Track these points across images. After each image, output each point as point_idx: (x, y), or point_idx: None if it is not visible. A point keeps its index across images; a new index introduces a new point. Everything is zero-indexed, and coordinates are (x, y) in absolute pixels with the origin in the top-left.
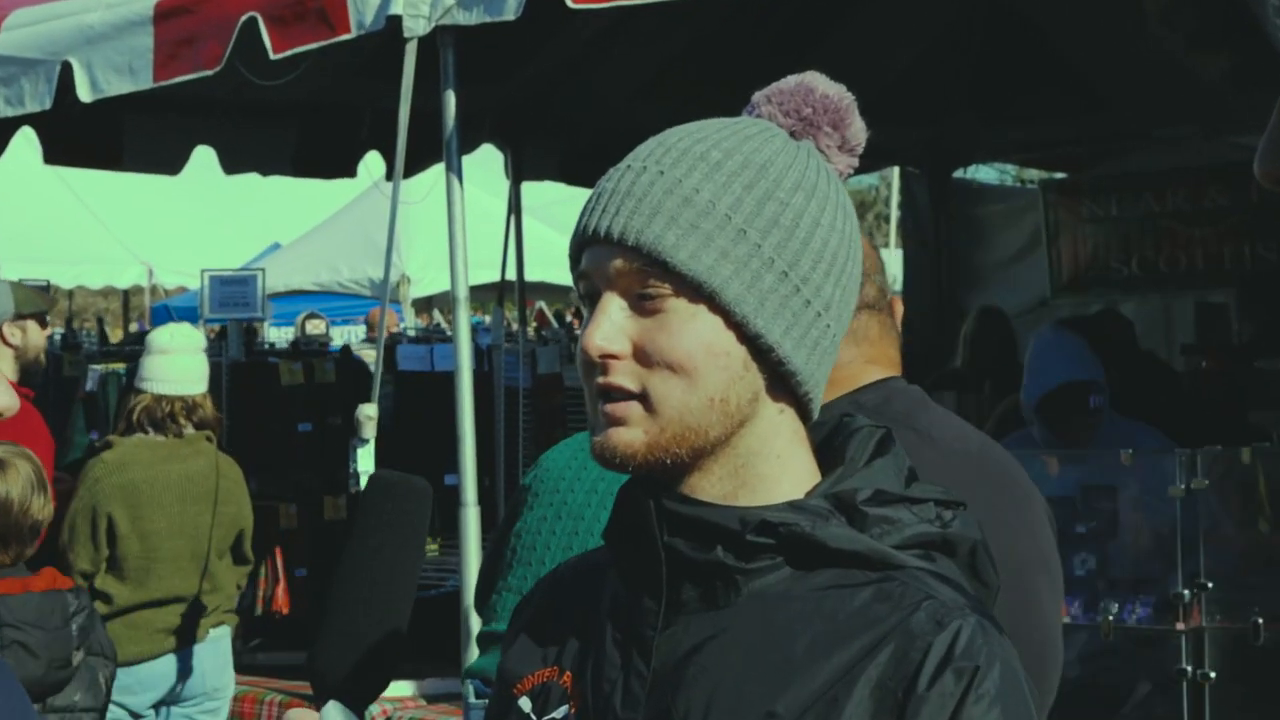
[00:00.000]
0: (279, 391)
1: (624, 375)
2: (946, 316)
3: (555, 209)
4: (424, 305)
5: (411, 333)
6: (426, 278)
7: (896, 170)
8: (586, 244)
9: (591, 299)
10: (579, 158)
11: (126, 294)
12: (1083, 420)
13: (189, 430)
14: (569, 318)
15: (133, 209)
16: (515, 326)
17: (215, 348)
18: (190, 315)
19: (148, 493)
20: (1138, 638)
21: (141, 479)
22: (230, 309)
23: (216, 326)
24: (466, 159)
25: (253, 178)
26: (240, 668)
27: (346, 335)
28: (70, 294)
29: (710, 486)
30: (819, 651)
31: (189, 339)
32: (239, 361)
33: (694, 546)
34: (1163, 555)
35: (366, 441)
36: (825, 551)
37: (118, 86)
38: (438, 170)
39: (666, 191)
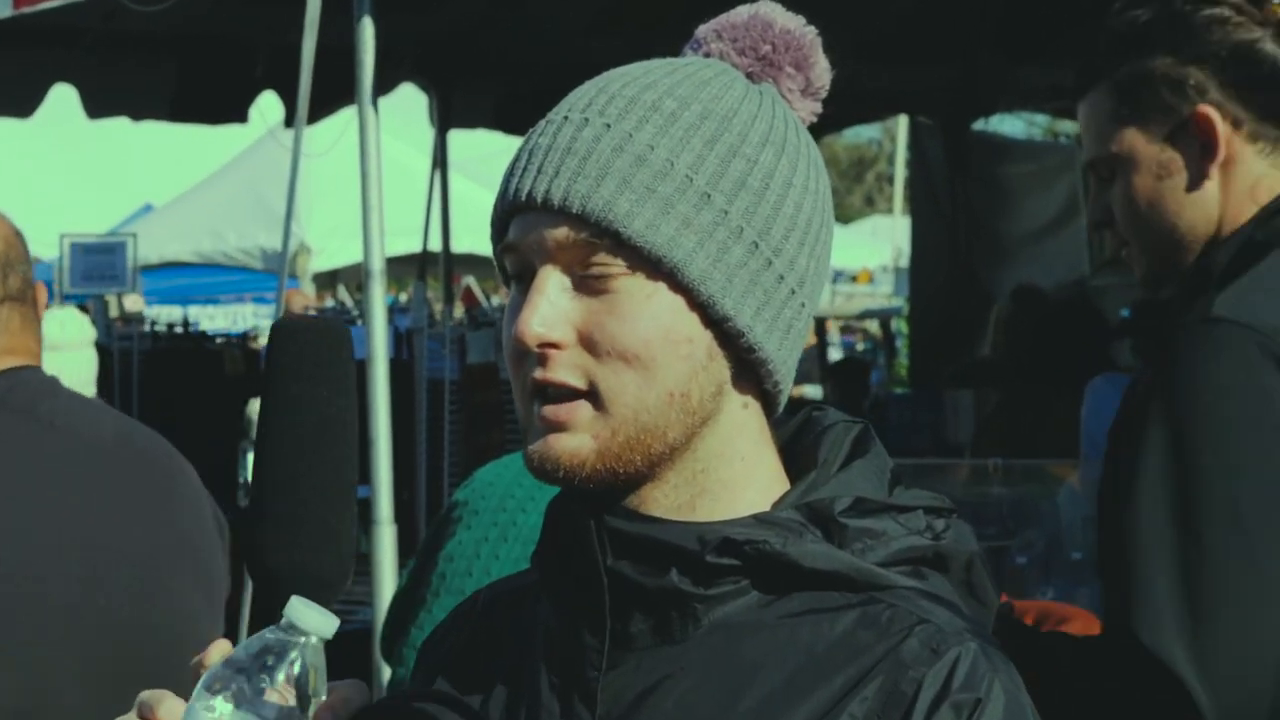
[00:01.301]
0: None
1: (566, 369)
2: (964, 296)
3: (489, 164)
4: (327, 281)
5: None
6: (330, 247)
7: (904, 120)
8: (516, 211)
9: (522, 277)
10: (518, 102)
11: None
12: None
13: None
14: (503, 298)
15: None
16: (440, 307)
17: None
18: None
19: None
20: None
21: None
22: (95, 283)
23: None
24: (383, 102)
25: (121, 123)
26: None
27: (233, 319)
28: None
29: (664, 497)
30: (795, 690)
31: (81, 331)
32: (104, 347)
33: (644, 570)
34: None
35: None
36: (799, 572)
37: None
38: (346, 116)
39: (615, 149)
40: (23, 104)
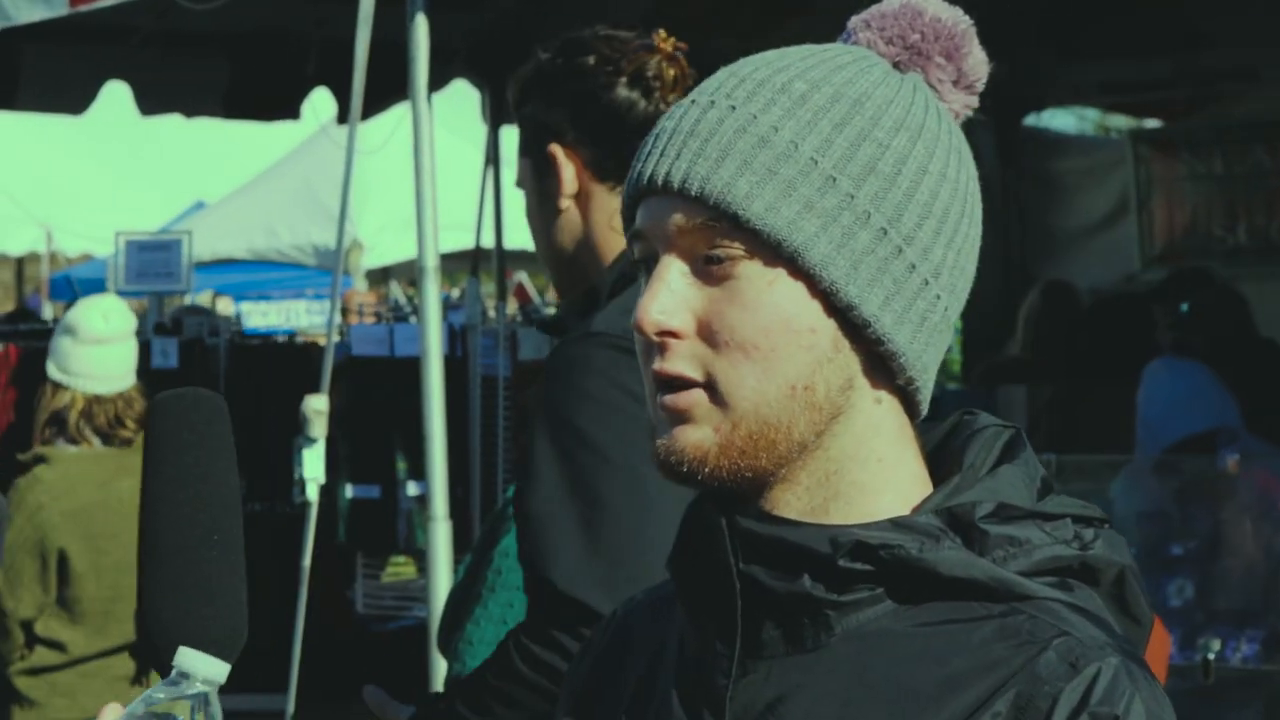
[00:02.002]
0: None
1: (684, 359)
2: (1016, 293)
3: None
4: (379, 277)
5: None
6: (382, 243)
7: None
8: (642, 196)
9: (649, 264)
10: None
11: (20, 262)
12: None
13: (133, 435)
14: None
15: (29, 160)
16: (492, 303)
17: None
18: (97, 286)
19: (103, 519)
20: (1242, 680)
21: (94, 502)
22: (149, 280)
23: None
24: (436, 97)
25: (174, 121)
26: None
27: (286, 315)
28: None
29: (796, 499)
30: (928, 703)
31: (125, 322)
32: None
33: (775, 575)
34: (1275, 582)
35: (314, 441)
36: (935, 580)
37: (29, 13)
38: (398, 112)
39: (738, 130)
40: (76, 101)
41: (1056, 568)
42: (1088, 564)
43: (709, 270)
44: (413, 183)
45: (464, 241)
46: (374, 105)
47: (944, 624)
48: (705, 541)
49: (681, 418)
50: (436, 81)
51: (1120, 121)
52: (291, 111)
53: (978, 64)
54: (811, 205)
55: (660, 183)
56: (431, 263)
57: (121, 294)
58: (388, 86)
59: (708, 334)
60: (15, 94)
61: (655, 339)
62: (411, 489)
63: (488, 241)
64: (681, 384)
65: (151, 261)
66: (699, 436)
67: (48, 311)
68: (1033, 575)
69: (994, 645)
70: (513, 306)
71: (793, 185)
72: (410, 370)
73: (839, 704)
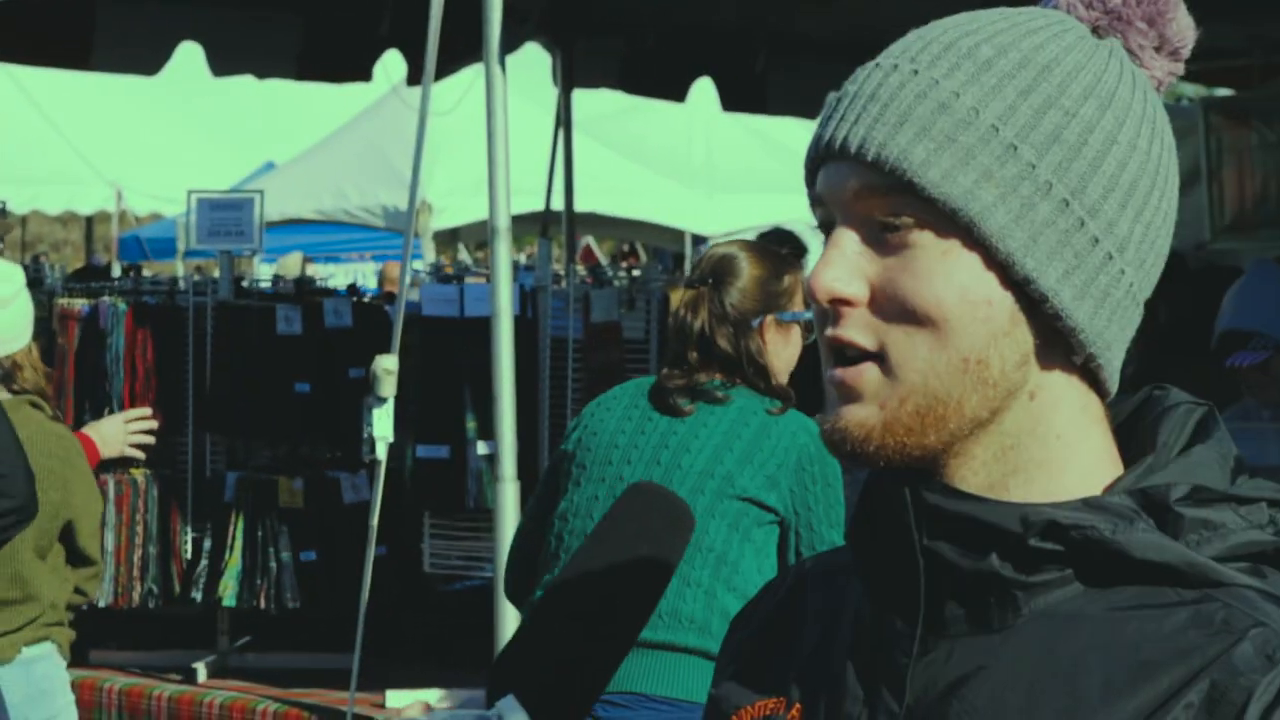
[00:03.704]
0: (275, 342)
1: (858, 328)
2: None
3: (613, 123)
4: (448, 239)
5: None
6: (451, 205)
7: None
8: (822, 160)
9: (828, 229)
10: (641, 62)
11: (90, 220)
12: (1229, 378)
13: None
14: (622, 259)
15: (100, 119)
16: (563, 265)
17: (200, 285)
18: (165, 247)
19: None
20: None
21: None
22: (220, 239)
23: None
24: (509, 60)
25: (245, 81)
26: (228, 671)
27: (353, 277)
28: (24, 220)
29: (973, 475)
30: (1117, 690)
31: (14, 280)
32: (229, 304)
33: (962, 552)
34: None
35: (384, 400)
36: (1127, 563)
37: None
38: (468, 75)
39: (919, 95)
40: (149, 62)
41: (1252, 553)
42: None
43: (884, 238)
44: (483, 145)
45: (531, 205)
46: (444, 67)
47: (1135, 609)
48: (888, 514)
49: (850, 395)
50: (509, 44)
51: (1191, 89)
52: (364, 73)
53: (1183, 29)
54: (990, 174)
55: (838, 147)
56: (504, 223)
57: (190, 253)
58: (458, 49)
59: (881, 303)
60: (89, 54)
61: (828, 306)
62: (481, 449)
63: (557, 204)
64: (855, 354)
65: (223, 220)
66: (864, 415)
67: (115, 270)
68: (1227, 561)
69: (1188, 633)
70: (582, 269)
71: (971, 153)
72: (480, 330)
73: (1025, 687)
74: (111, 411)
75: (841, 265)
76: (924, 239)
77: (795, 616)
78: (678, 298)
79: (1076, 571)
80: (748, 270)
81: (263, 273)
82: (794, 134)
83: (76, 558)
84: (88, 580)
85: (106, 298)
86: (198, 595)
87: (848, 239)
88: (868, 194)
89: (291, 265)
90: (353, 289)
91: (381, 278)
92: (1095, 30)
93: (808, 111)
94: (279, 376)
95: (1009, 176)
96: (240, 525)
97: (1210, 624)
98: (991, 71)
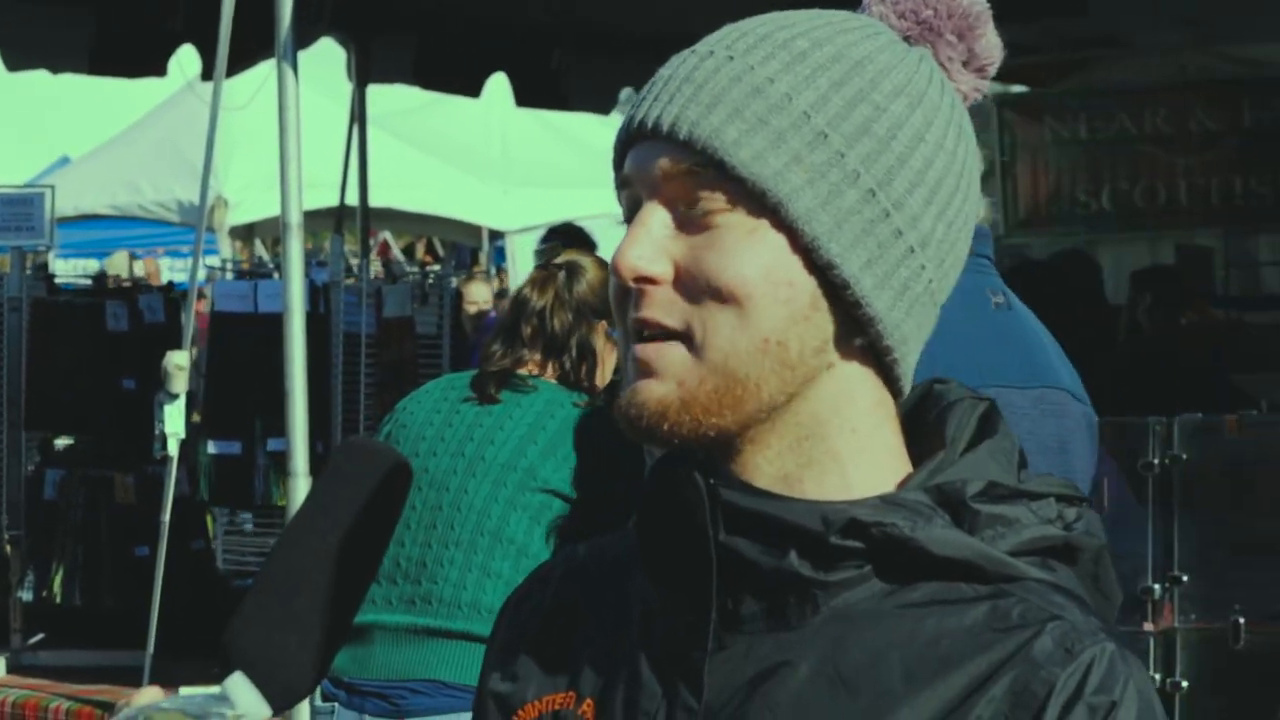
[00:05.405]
0: (90, 338)
1: (662, 307)
2: None
3: (408, 118)
4: (244, 234)
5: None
6: (247, 200)
7: None
8: (632, 142)
9: (634, 211)
10: (437, 57)
11: None
12: None
13: None
14: (419, 253)
15: None
16: (356, 261)
17: None
18: None
19: None
20: None
21: None
22: (11, 234)
23: None
24: (301, 55)
25: (39, 76)
26: (22, 669)
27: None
28: None
29: (766, 464)
30: (917, 686)
31: None
32: (43, 300)
33: (761, 550)
34: (1129, 543)
35: (176, 397)
36: (926, 559)
37: None
38: (264, 70)
39: (734, 79)
40: None
41: (1043, 548)
42: (1071, 544)
43: (691, 218)
44: (277, 140)
45: (328, 199)
46: (239, 62)
47: (933, 605)
48: (679, 506)
49: (650, 371)
50: (303, 39)
51: (993, 86)
52: (158, 68)
53: (990, 46)
54: (800, 159)
55: (650, 126)
56: (295, 219)
57: None
58: (253, 43)
59: (686, 281)
60: None
61: (633, 285)
62: (273, 445)
63: (352, 199)
64: (658, 333)
65: (13, 216)
66: (663, 392)
67: None
68: (1020, 555)
69: (986, 627)
70: (376, 264)
71: (782, 137)
72: (274, 326)
73: (828, 683)
74: None
75: (647, 243)
76: (732, 219)
77: (573, 606)
78: (471, 292)
79: (875, 568)
80: (600, 275)
81: (59, 269)
82: (590, 129)
83: None
84: None
85: None
86: (25, 595)
87: (655, 217)
88: (678, 173)
89: (119, 264)
90: (169, 286)
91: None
92: (907, 39)
93: (603, 107)
94: (108, 373)
95: (818, 162)
96: (70, 522)
97: (1008, 618)
98: (806, 62)
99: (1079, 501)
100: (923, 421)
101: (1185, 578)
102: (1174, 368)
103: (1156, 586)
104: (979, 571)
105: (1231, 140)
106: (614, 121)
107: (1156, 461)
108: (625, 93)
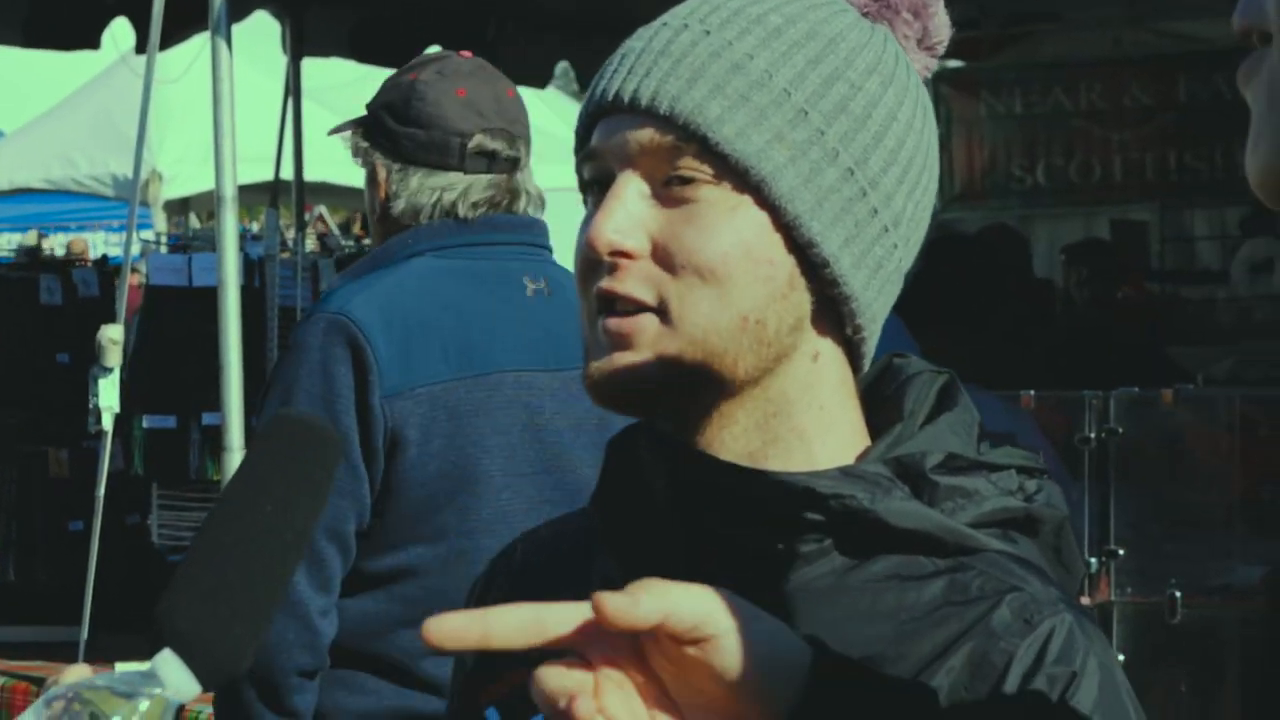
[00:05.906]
0: (24, 312)
1: (637, 281)
2: None
3: (343, 92)
4: (178, 208)
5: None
6: (182, 174)
7: None
8: (602, 114)
9: (601, 184)
10: (373, 31)
11: None
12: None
13: None
14: (355, 228)
15: None
16: (292, 235)
17: None
18: None
19: None
20: None
21: None
22: None
23: None
24: (236, 28)
25: None
26: None
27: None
28: None
29: (733, 440)
30: (878, 660)
31: None
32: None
33: (721, 522)
34: None
35: (110, 371)
36: (886, 531)
37: None
38: (198, 43)
39: (712, 54)
40: None
41: (1003, 520)
42: (1031, 516)
43: (669, 192)
44: (212, 114)
45: (264, 173)
46: (173, 35)
47: (893, 579)
48: (641, 482)
49: (625, 343)
50: (237, 12)
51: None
52: (91, 41)
53: (941, 26)
54: (782, 136)
55: (627, 100)
56: (229, 192)
57: None
58: (188, 17)
59: (663, 256)
60: None
61: (607, 258)
62: (207, 419)
63: (287, 174)
64: (630, 308)
65: None
66: (638, 362)
67: None
68: (980, 527)
69: (945, 602)
70: (311, 238)
71: (764, 114)
72: (209, 300)
73: None
74: None
75: (623, 216)
76: (714, 195)
77: (537, 584)
78: None
79: (835, 542)
80: None
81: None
82: (526, 104)
83: None
84: None
85: None
86: None
87: (631, 190)
88: (658, 147)
89: (29, 239)
90: (103, 260)
91: (68, 250)
92: (865, 16)
93: (538, 81)
94: (43, 347)
95: (800, 140)
96: (5, 497)
97: (966, 591)
98: (782, 39)
99: (1040, 473)
100: (881, 396)
101: (1122, 552)
102: (1110, 342)
103: (1093, 560)
104: (939, 544)
105: (1166, 115)
106: (550, 96)
107: (1093, 436)
108: (561, 66)
